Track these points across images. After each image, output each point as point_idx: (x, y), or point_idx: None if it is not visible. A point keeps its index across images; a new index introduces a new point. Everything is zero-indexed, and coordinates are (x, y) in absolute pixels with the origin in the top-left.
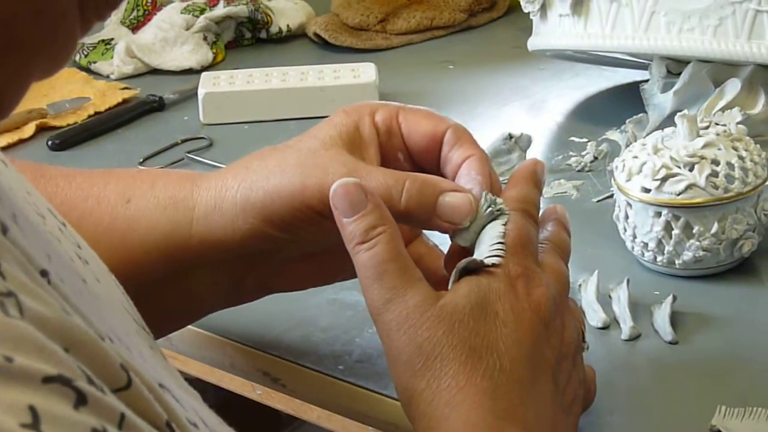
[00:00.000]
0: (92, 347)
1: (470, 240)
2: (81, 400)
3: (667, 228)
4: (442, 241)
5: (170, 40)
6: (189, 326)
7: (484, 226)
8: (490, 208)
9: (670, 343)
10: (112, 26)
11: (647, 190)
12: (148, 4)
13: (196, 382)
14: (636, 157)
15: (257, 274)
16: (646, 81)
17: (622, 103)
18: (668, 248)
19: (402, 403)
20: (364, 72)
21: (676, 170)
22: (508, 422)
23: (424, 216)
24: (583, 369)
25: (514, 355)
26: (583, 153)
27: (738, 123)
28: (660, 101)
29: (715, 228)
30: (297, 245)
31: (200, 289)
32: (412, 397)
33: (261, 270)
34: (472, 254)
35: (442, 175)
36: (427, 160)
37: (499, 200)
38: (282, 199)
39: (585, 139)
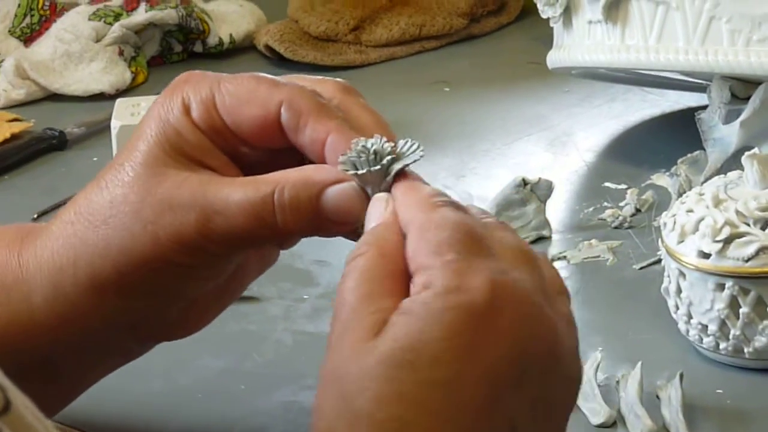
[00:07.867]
0: None
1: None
2: None
3: (733, 305)
4: None
5: (75, 56)
6: None
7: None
8: (379, 164)
9: None
10: None
11: (706, 255)
12: (45, 9)
13: None
14: (691, 210)
15: (136, 337)
16: (704, 108)
17: (672, 138)
18: (734, 332)
19: None
20: None
21: (744, 229)
22: None
23: (313, 227)
24: None
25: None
26: (622, 204)
27: None
28: (722, 135)
29: None
30: (172, 303)
31: (70, 370)
32: None
33: (139, 334)
34: None
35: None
36: (276, 145)
37: (375, 143)
38: (135, 265)
39: (624, 186)
